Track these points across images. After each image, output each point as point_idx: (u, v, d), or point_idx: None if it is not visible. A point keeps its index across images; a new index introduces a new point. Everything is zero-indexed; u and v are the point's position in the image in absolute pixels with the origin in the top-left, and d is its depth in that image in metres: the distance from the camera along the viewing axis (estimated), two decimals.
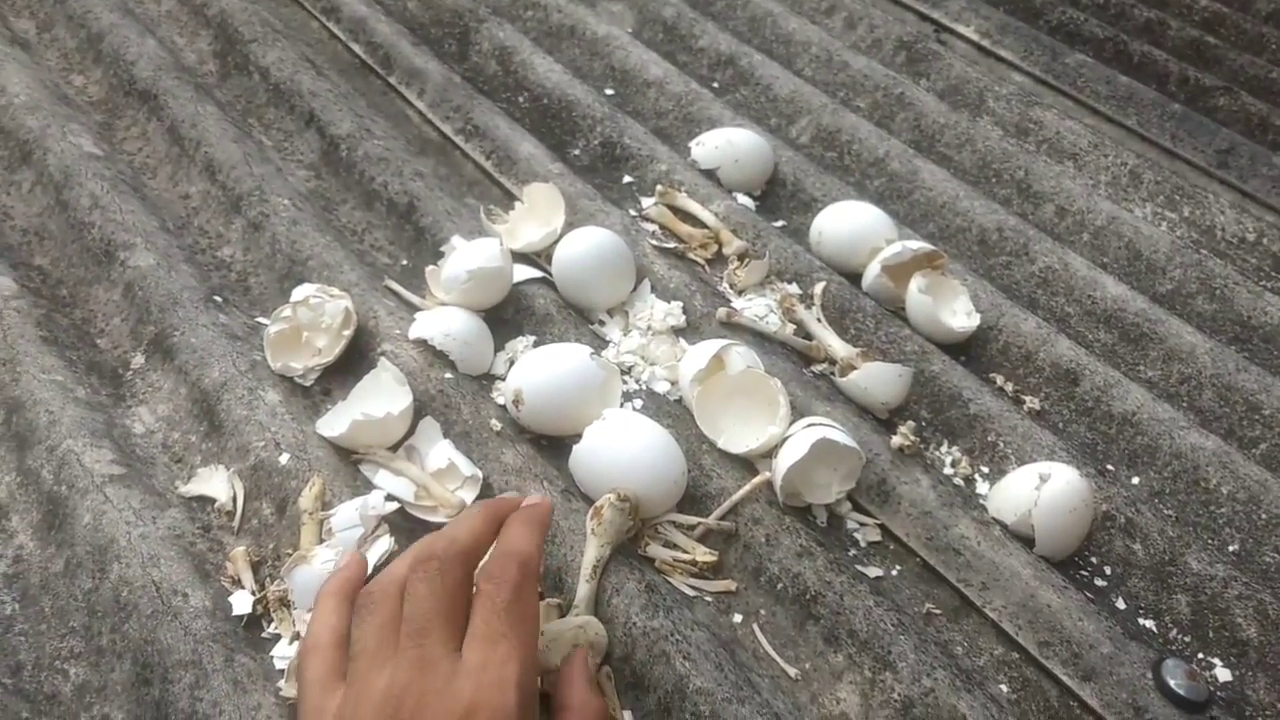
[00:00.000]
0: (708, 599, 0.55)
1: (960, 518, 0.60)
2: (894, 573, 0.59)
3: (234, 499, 0.56)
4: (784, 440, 0.58)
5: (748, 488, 0.57)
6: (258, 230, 0.71)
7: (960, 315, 0.73)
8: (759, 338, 0.69)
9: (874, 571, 0.58)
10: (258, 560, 0.53)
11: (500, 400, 0.62)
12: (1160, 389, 0.75)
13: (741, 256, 0.75)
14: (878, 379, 0.65)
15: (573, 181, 0.78)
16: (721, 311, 0.68)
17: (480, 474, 0.56)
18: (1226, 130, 1.01)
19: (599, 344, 0.67)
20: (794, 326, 0.71)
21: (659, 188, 0.79)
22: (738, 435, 0.61)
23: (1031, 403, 0.72)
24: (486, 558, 0.45)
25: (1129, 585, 0.62)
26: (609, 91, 0.94)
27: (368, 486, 0.56)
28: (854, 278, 0.76)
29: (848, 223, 0.77)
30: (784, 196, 0.85)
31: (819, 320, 0.71)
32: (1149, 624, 0.60)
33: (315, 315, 0.62)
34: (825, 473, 0.59)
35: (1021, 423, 0.67)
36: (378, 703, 0.39)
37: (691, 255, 0.76)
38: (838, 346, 0.69)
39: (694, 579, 0.55)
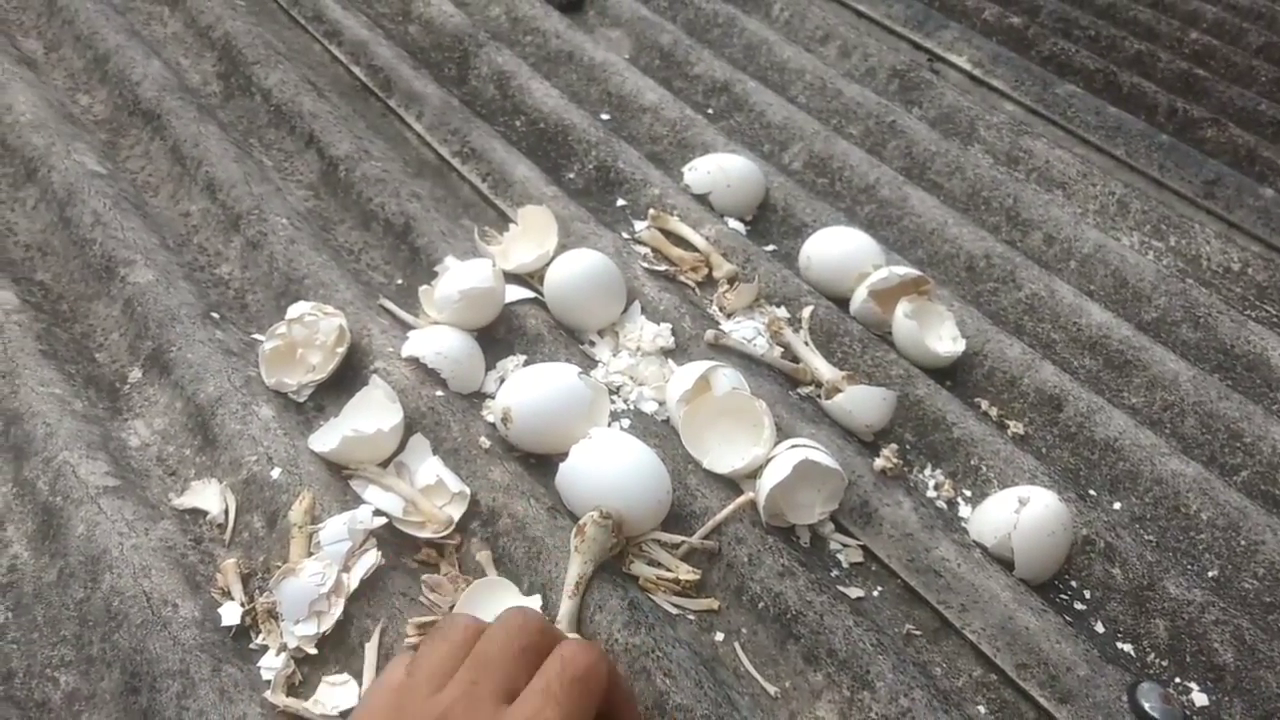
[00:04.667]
0: (690, 617, 0.56)
1: (941, 540, 0.61)
2: (875, 594, 0.60)
3: (226, 512, 0.56)
4: (768, 461, 0.59)
5: (731, 507, 0.58)
6: (256, 248, 0.72)
7: (946, 340, 0.74)
8: (746, 360, 0.70)
9: (855, 592, 0.59)
10: (247, 572, 0.54)
11: (490, 418, 0.63)
12: (1143, 416, 0.76)
13: (731, 280, 0.76)
14: (862, 402, 0.66)
15: (566, 204, 0.80)
16: (709, 334, 0.69)
17: (468, 491, 0.57)
18: (1214, 161, 1.03)
19: (589, 364, 0.68)
20: (781, 349, 0.72)
21: (651, 211, 0.80)
22: (723, 455, 0.62)
23: (1015, 428, 0.73)
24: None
25: (1108, 609, 0.62)
26: (605, 116, 0.96)
27: (357, 501, 0.56)
28: (842, 302, 0.77)
29: (836, 248, 0.78)
30: (775, 221, 0.86)
31: (806, 343, 0.72)
32: (1127, 648, 0.61)
33: (310, 332, 0.63)
34: (808, 493, 0.60)
35: (1004, 447, 0.68)
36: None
37: (682, 278, 0.77)
38: (824, 369, 0.70)
39: (676, 597, 0.56)
